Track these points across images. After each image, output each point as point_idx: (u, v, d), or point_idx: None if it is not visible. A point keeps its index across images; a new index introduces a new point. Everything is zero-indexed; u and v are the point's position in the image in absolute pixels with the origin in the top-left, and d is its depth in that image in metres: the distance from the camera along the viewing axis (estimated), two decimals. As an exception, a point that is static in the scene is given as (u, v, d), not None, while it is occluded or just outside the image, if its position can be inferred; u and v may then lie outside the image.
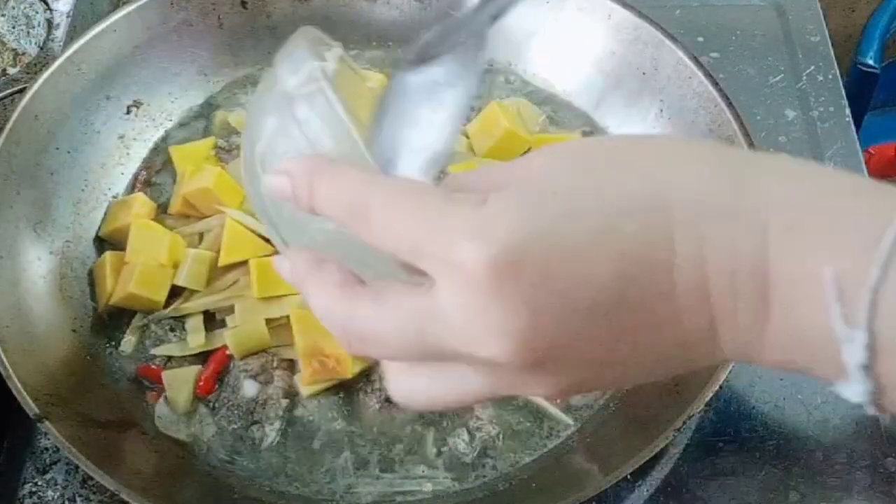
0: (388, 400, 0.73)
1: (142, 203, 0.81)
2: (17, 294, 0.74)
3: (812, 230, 0.32)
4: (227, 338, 0.74)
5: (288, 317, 0.74)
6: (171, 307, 0.76)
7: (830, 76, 0.94)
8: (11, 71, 0.91)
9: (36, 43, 0.93)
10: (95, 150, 0.84)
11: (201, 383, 0.73)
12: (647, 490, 0.71)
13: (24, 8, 0.93)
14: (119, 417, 0.72)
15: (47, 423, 0.64)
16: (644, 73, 0.83)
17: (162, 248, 0.77)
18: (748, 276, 0.33)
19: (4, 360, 0.66)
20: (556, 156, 0.37)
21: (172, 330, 0.76)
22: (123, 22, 0.84)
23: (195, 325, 0.76)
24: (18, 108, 0.77)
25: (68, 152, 0.82)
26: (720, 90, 0.77)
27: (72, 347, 0.75)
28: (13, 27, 0.92)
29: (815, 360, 0.34)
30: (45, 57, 0.92)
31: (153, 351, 0.76)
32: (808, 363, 0.34)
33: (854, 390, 0.32)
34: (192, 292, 0.77)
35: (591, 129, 0.86)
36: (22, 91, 0.79)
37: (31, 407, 0.65)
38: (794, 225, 0.32)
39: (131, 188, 0.85)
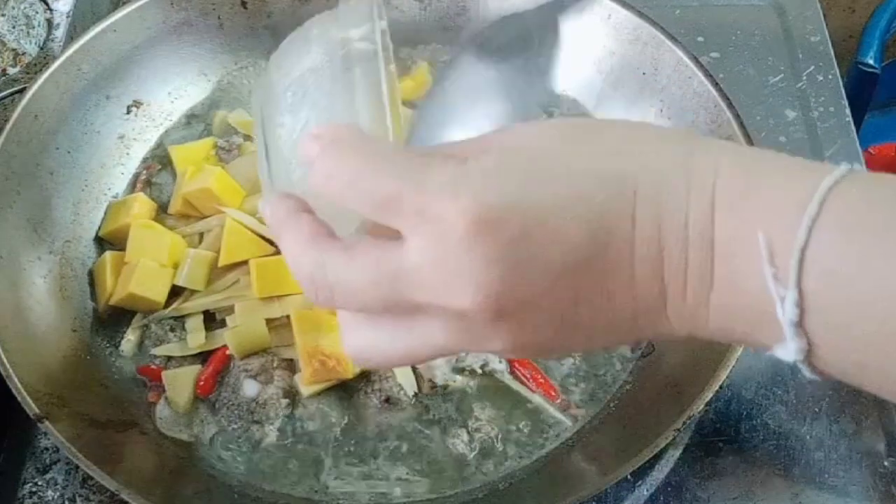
0: (388, 400, 0.73)
1: (142, 203, 0.81)
2: (17, 294, 0.74)
3: (750, 200, 0.35)
4: (227, 338, 0.74)
5: (288, 317, 0.74)
6: (171, 307, 0.76)
7: (830, 76, 0.94)
8: (11, 71, 0.91)
9: (36, 43, 0.93)
10: (95, 150, 0.84)
11: (201, 383, 0.73)
12: (647, 490, 0.71)
13: (24, 8, 0.93)
14: (119, 417, 0.72)
15: (47, 423, 0.64)
16: (644, 73, 0.83)
17: (162, 248, 0.77)
18: (697, 246, 0.36)
19: (4, 360, 0.66)
20: (537, 127, 0.39)
21: (172, 330, 0.76)
22: (123, 22, 0.84)
23: (195, 325, 0.76)
24: (18, 108, 0.77)
25: (68, 152, 0.82)
26: (720, 90, 0.77)
27: (72, 347, 0.75)
28: (13, 27, 0.92)
29: (753, 322, 0.36)
30: (45, 57, 0.92)
31: (153, 351, 0.76)
32: (748, 328, 0.37)
33: (789, 350, 0.35)
34: (192, 292, 0.77)
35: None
36: (22, 91, 0.79)
37: (31, 407, 0.65)
38: (735, 197, 0.36)
39: (131, 188, 0.85)
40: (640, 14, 0.82)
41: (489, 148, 0.37)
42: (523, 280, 0.35)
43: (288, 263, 0.40)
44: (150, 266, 0.76)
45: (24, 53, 0.92)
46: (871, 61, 1.27)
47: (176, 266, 0.77)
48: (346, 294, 0.38)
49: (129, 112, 0.87)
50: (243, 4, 0.89)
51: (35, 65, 0.91)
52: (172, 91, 0.89)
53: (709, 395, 0.64)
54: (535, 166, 0.36)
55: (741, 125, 0.75)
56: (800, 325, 0.34)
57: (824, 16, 0.99)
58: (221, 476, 0.70)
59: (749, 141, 0.75)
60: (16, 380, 0.66)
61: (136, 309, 0.77)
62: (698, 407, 0.64)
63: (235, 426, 0.72)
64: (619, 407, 0.73)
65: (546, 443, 0.72)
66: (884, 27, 1.29)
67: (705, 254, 0.36)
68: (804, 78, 0.94)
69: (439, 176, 0.35)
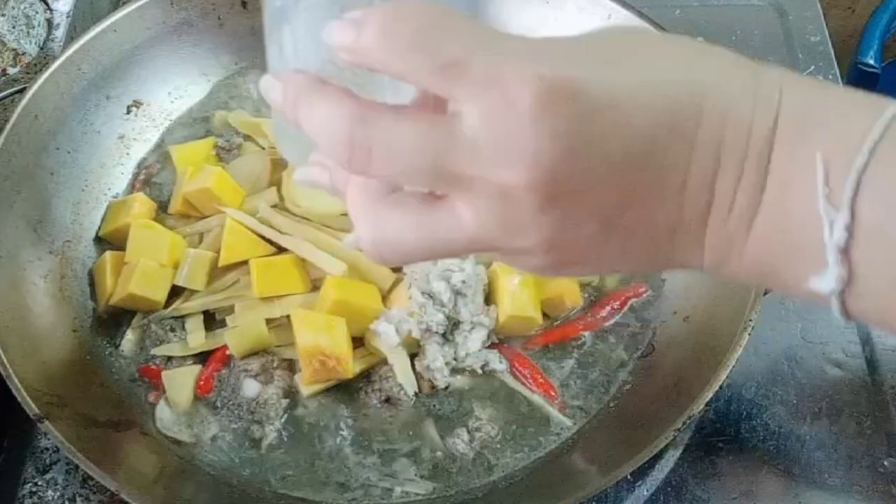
0: (388, 400, 0.73)
1: (142, 203, 0.81)
2: (17, 294, 0.74)
3: (813, 120, 0.35)
4: (227, 338, 0.74)
5: (288, 317, 0.74)
6: (171, 307, 0.76)
7: (830, 76, 0.95)
8: (11, 71, 0.91)
9: (36, 43, 0.93)
10: (95, 150, 0.84)
11: (201, 383, 0.73)
12: (647, 490, 0.71)
13: (24, 8, 0.93)
14: (119, 417, 0.72)
15: (47, 423, 0.64)
16: (644, 73, 0.83)
17: (162, 248, 0.77)
18: (754, 161, 0.35)
19: (4, 360, 0.66)
20: (610, 30, 0.37)
21: (172, 330, 0.76)
22: (123, 22, 0.84)
23: (195, 325, 0.76)
24: (18, 108, 0.77)
25: (68, 152, 0.82)
26: (720, 90, 0.77)
27: (72, 347, 0.75)
28: (13, 27, 0.92)
29: (793, 248, 0.35)
30: (45, 57, 0.92)
31: (153, 351, 0.76)
32: (786, 256, 0.36)
33: (828, 278, 0.34)
34: (192, 292, 0.77)
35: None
36: (22, 91, 0.79)
37: (31, 407, 0.65)
38: (796, 119, 0.35)
39: (131, 188, 0.85)
40: (640, 14, 0.82)
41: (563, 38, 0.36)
42: (583, 162, 0.34)
43: (317, 127, 0.35)
44: (150, 266, 0.76)
45: (24, 53, 0.92)
46: (871, 61, 1.27)
47: (176, 266, 0.77)
48: (387, 156, 0.34)
49: (129, 112, 0.87)
50: (243, 4, 0.89)
51: (35, 65, 0.91)
52: (172, 91, 0.89)
53: (709, 395, 0.64)
54: (613, 53, 0.35)
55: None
56: (845, 251, 0.34)
57: (824, 16, 1.00)
58: (221, 476, 0.70)
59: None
60: (16, 380, 0.66)
61: (136, 309, 0.77)
62: (698, 407, 0.64)
63: (235, 426, 0.72)
64: (619, 407, 0.73)
65: (546, 443, 0.72)
66: (884, 27, 1.29)
67: (760, 170, 0.35)
68: (804, 78, 0.94)
69: (515, 43, 0.34)
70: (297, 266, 0.76)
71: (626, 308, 0.77)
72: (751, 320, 0.67)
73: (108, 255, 0.78)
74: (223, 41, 0.90)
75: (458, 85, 0.33)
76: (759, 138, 0.35)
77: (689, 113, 0.35)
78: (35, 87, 0.79)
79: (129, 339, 0.76)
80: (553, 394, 0.73)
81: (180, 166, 0.83)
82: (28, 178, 0.78)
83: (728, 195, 0.36)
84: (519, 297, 0.74)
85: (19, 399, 0.65)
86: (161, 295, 0.76)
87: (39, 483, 0.71)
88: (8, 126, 0.76)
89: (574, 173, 0.34)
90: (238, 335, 0.74)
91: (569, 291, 0.76)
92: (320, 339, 0.71)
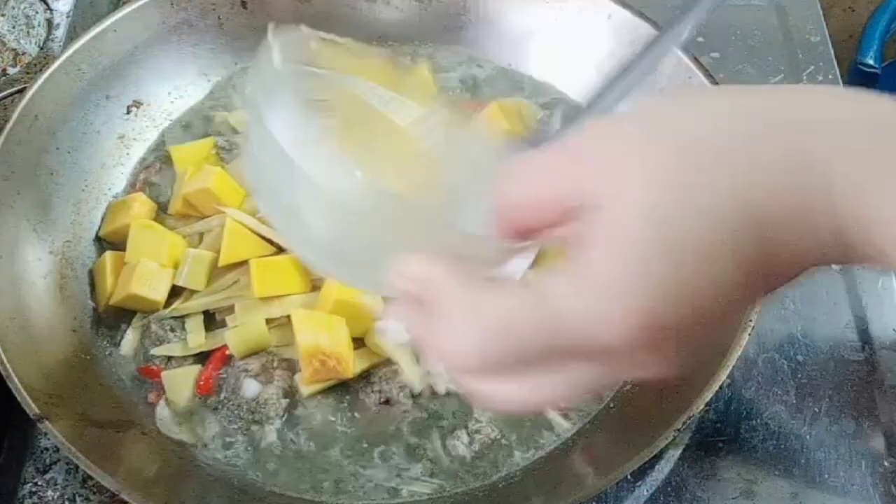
0: (387, 401, 0.73)
1: (142, 203, 0.81)
2: (17, 294, 0.74)
3: (869, 207, 0.34)
4: (227, 338, 0.74)
5: (288, 317, 0.74)
6: (171, 307, 0.76)
7: (830, 76, 0.94)
8: (11, 71, 0.91)
9: (36, 43, 0.93)
10: (95, 150, 0.84)
11: (201, 383, 0.73)
12: (647, 490, 0.71)
13: (24, 8, 0.93)
14: (119, 417, 0.72)
15: (47, 423, 0.64)
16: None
17: (162, 248, 0.77)
18: (821, 253, 0.35)
19: (4, 360, 0.66)
20: (638, 190, 0.35)
21: (172, 330, 0.76)
22: (123, 22, 0.84)
23: (195, 325, 0.76)
24: (18, 108, 0.77)
25: (68, 152, 0.82)
26: (720, 90, 0.77)
27: (72, 347, 0.75)
28: (13, 27, 0.92)
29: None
30: (45, 57, 0.92)
31: (153, 351, 0.76)
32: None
33: None
34: (192, 292, 0.77)
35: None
36: (22, 91, 0.79)
37: (31, 407, 0.65)
38: (855, 209, 0.34)
39: (131, 188, 0.85)
40: (640, 14, 0.82)
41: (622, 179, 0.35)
42: (672, 311, 0.34)
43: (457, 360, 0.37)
44: (150, 266, 0.76)
45: (24, 53, 0.92)
46: (871, 61, 1.27)
47: (176, 266, 0.77)
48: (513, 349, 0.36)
49: (129, 112, 0.87)
50: (243, 4, 0.89)
51: (35, 65, 0.91)
52: (172, 91, 0.89)
53: (709, 395, 0.64)
54: (656, 262, 0.34)
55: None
56: None
57: (824, 16, 1.00)
58: (221, 476, 0.70)
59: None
60: (16, 380, 0.66)
61: (136, 309, 0.77)
62: (698, 407, 0.64)
63: (235, 426, 0.72)
64: (619, 407, 0.73)
65: (546, 443, 0.72)
66: (884, 27, 1.29)
67: (836, 251, 0.35)
68: (804, 78, 0.94)
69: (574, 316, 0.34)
70: (297, 266, 0.76)
71: (626, 308, 0.77)
72: (751, 320, 0.67)
73: (108, 255, 0.78)
74: (223, 41, 0.90)
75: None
76: (824, 242, 0.35)
77: (753, 253, 0.34)
78: (35, 87, 0.79)
79: (129, 338, 0.76)
80: (553, 394, 0.73)
81: (180, 166, 0.84)
82: (28, 178, 0.78)
83: (808, 271, 0.36)
84: (519, 297, 0.74)
85: (19, 399, 0.65)
86: (161, 295, 0.76)
87: (39, 483, 0.71)
88: (8, 126, 0.76)
89: (665, 323, 0.34)
90: (238, 335, 0.74)
91: (569, 291, 0.76)
92: (320, 338, 0.71)
